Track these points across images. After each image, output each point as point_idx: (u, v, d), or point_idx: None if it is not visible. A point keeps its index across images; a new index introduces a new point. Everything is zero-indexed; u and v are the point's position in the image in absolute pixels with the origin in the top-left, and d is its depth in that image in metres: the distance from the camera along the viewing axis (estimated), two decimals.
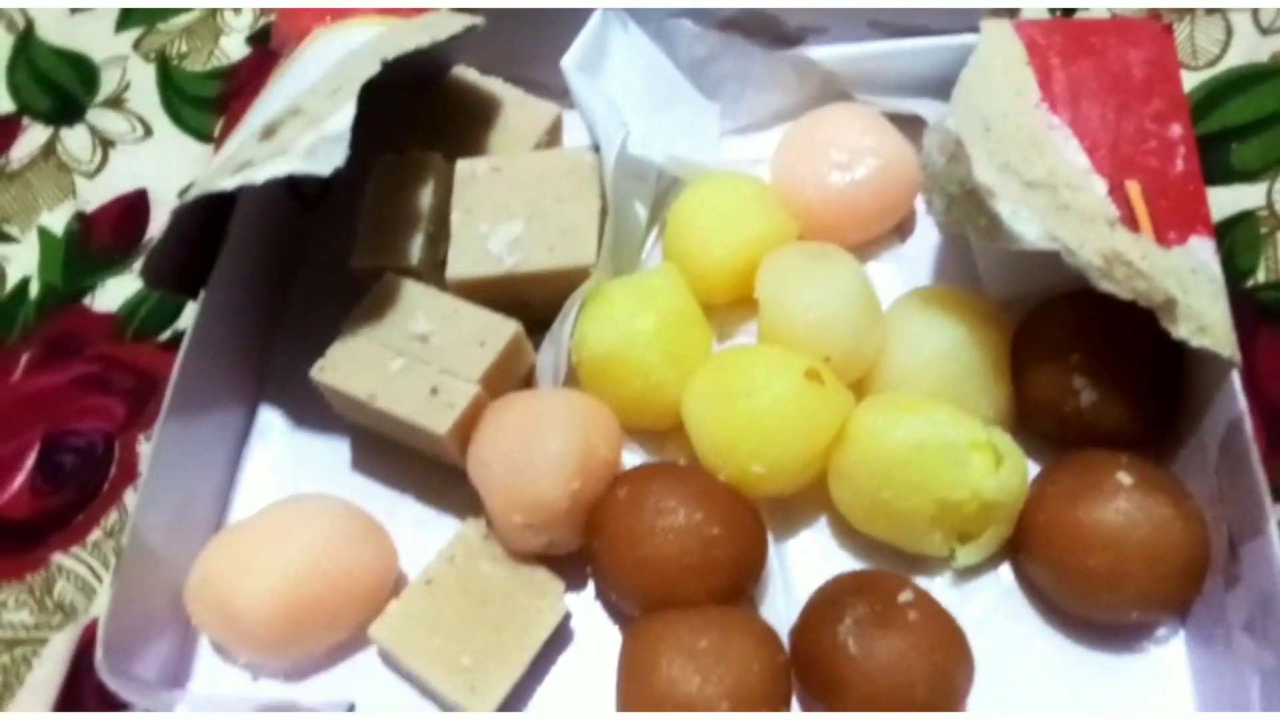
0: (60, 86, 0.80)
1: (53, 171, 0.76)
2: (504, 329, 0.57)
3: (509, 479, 0.52)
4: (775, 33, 0.67)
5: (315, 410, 0.60)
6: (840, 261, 0.59)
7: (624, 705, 0.50)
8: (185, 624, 0.57)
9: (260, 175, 0.50)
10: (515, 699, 0.53)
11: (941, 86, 0.62)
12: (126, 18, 0.82)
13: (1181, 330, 0.50)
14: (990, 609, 0.55)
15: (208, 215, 0.59)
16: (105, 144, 0.77)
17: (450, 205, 0.61)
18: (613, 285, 0.59)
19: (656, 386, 0.57)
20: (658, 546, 0.51)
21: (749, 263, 0.60)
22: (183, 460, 0.57)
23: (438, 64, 0.68)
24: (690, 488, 0.52)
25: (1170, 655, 0.54)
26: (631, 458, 0.59)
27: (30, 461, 0.65)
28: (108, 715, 0.53)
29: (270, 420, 0.64)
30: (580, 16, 0.66)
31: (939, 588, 0.55)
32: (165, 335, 0.69)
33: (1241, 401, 0.50)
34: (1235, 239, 0.64)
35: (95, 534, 0.63)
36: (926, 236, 0.66)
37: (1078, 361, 0.54)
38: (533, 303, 0.59)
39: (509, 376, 0.58)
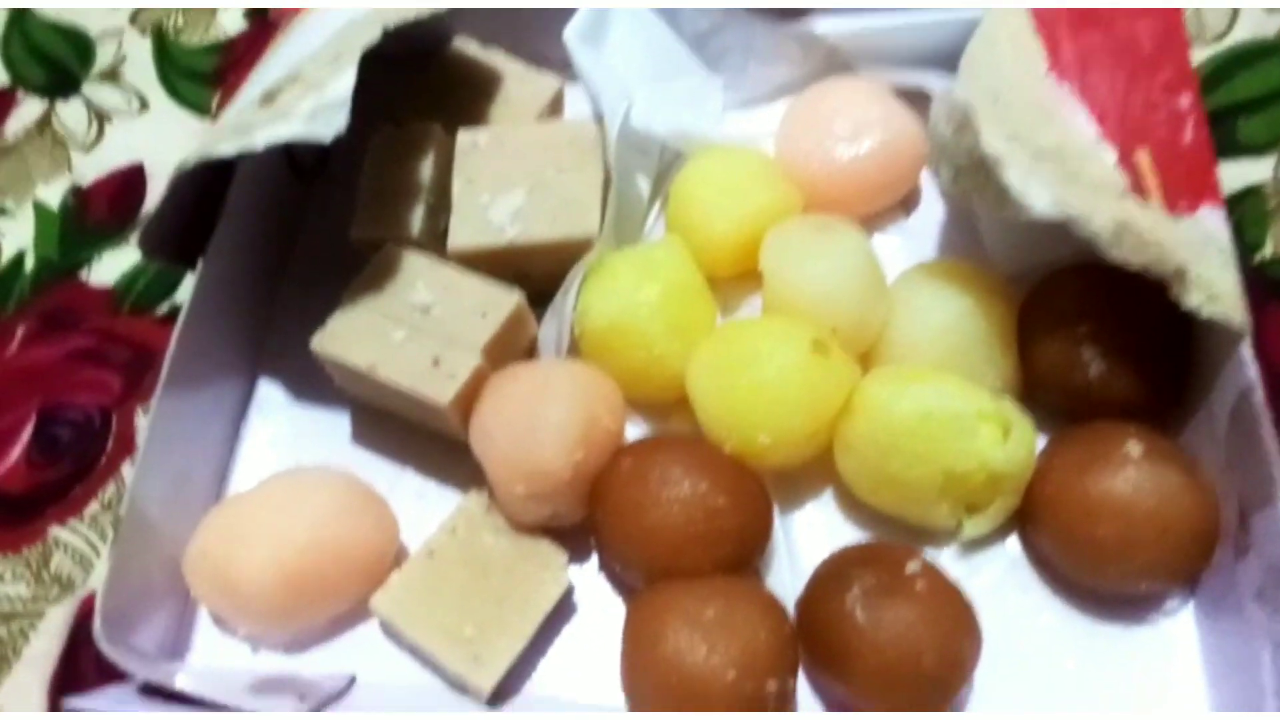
0: (55, 59, 0.79)
1: (48, 145, 0.75)
2: (506, 299, 0.56)
3: (512, 449, 0.52)
4: (779, 6, 0.67)
5: (315, 383, 0.59)
6: (845, 234, 0.58)
7: (629, 675, 0.49)
8: (184, 597, 0.56)
9: (260, 140, 0.50)
10: (518, 671, 0.52)
11: (947, 60, 0.62)
12: None
13: (1192, 299, 0.49)
14: (997, 581, 0.55)
15: (206, 185, 0.58)
16: (101, 118, 0.77)
17: (451, 176, 0.61)
18: (616, 257, 0.58)
19: (660, 358, 0.56)
20: (662, 517, 0.50)
21: (753, 236, 0.59)
22: (181, 432, 0.56)
23: (438, 35, 0.67)
24: (695, 458, 0.52)
25: (1179, 626, 0.53)
26: (634, 431, 0.59)
27: (26, 435, 0.65)
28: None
29: (270, 394, 0.63)
30: None
31: (946, 560, 0.55)
32: (162, 309, 0.68)
33: (1252, 370, 0.50)
34: (1243, 214, 0.64)
35: (92, 507, 0.62)
36: (932, 210, 0.66)
37: (1086, 333, 0.54)
38: (534, 275, 0.59)
39: (511, 348, 0.57)
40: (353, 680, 0.54)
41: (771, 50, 0.68)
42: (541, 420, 0.52)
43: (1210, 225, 0.53)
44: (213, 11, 0.80)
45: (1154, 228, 0.50)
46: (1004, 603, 0.54)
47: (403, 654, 0.55)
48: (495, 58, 0.67)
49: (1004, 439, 0.52)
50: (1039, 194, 0.50)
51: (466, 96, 0.66)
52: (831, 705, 0.52)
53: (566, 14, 0.64)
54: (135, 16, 0.80)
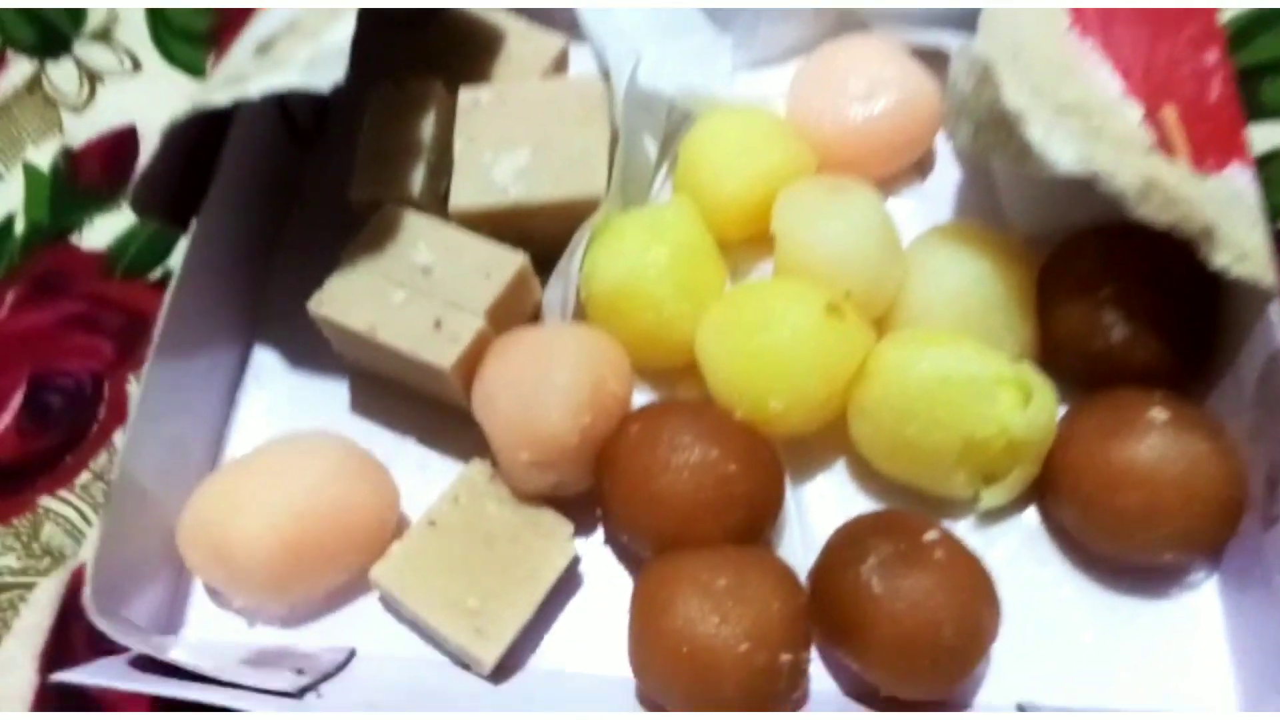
0: (46, 19, 0.77)
1: (39, 106, 0.74)
2: (510, 260, 0.54)
3: (516, 414, 0.51)
4: None
5: (313, 349, 0.58)
6: (860, 194, 0.57)
7: (637, 647, 0.48)
8: (178, 568, 0.55)
9: (255, 89, 0.48)
10: (523, 644, 0.51)
11: (964, 18, 0.60)
12: None
13: (1220, 258, 0.48)
14: (1015, 552, 0.54)
15: (200, 142, 0.57)
16: (93, 78, 0.75)
17: (452, 135, 0.59)
18: (623, 217, 0.57)
19: (669, 321, 0.55)
20: (671, 483, 0.49)
21: (765, 197, 0.58)
22: (173, 399, 0.55)
23: None
24: (706, 423, 0.51)
25: (1203, 599, 0.52)
26: (641, 399, 0.57)
27: (16, 402, 0.63)
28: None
29: (266, 360, 0.62)
30: None
31: (962, 531, 0.53)
32: (156, 274, 0.67)
33: None
34: (1267, 177, 0.62)
35: (84, 476, 0.61)
36: (947, 173, 0.65)
37: (1108, 296, 0.53)
38: (538, 237, 0.57)
39: (515, 311, 0.56)
40: (352, 654, 0.52)
41: (783, 9, 0.66)
42: (547, 385, 0.50)
43: (1239, 184, 0.51)
44: None
45: (1181, 185, 0.49)
46: (1021, 575, 0.52)
47: (403, 627, 0.54)
48: (498, 15, 0.65)
49: (1024, 404, 0.51)
50: (1062, 149, 0.49)
51: (468, 55, 0.64)
52: (845, 680, 0.51)
53: None
54: None
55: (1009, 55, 0.52)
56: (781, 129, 0.61)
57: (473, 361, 0.53)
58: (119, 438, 0.61)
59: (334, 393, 0.60)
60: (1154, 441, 0.49)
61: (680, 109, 0.64)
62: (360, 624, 0.54)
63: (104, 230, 0.69)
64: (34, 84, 0.74)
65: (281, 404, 0.61)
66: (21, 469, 0.61)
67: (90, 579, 0.48)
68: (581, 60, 0.66)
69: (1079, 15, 0.55)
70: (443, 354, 0.52)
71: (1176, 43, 0.55)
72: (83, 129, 0.73)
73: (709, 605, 0.46)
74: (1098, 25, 0.55)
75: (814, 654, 0.50)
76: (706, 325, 0.54)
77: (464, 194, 0.57)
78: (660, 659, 0.46)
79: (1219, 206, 0.49)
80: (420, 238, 0.55)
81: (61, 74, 0.75)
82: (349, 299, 0.54)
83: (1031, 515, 0.55)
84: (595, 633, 0.53)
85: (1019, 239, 0.57)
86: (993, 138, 0.52)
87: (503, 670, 0.51)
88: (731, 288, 0.59)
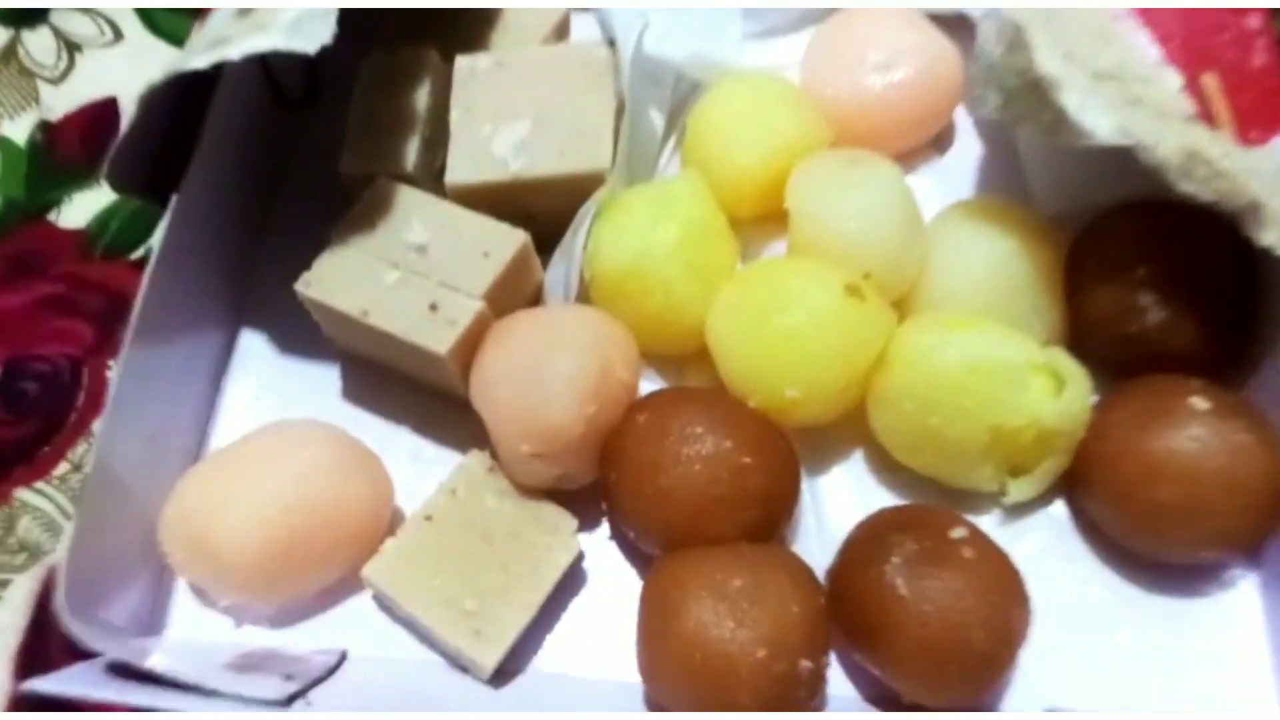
0: None
1: (14, 77, 0.71)
2: (510, 239, 0.52)
3: (517, 403, 0.49)
4: None
5: (302, 333, 0.56)
6: (881, 166, 0.54)
7: (646, 651, 0.46)
8: (160, 565, 0.53)
9: (236, 51, 0.45)
10: (524, 646, 0.50)
11: None
12: None
13: (1268, 236, 0.46)
14: (1042, 549, 0.52)
15: (181, 112, 0.54)
16: (71, 47, 0.72)
17: (448, 106, 0.57)
18: (629, 193, 0.55)
19: (678, 304, 0.53)
20: (682, 476, 0.47)
21: (778, 171, 0.56)
22: (154, 386, 0.53)
23: None
24: (719, 413, 0.48)
25: (1241, 599, 0.50)
26: (648, 386, 0.55)
27: None
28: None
29: (252, 344, 0.60)
30: None
31: (986, 526, 0.50)
32: (138, 253, 0.65)
33: None
34: None
35: (62, 467, 0.59)
36: (968, 148, 0.63)
37: (1143, 277, 0.50)
38: (539, 214, 0.55)
39: (515, 293, 0.54)
40: (344, 656, 0.51)
41: None
42: (550, 371, 0.48)
43: None
44: None
45: (1225, 157, 0.47)
46: (1049, 573, 0.50)
47: (398, 628, 0.52)
48: None
49: (1057, 393, 0.49)
50: (1099, 119, 0.46)
51: (464, 22, 0.62)
52: (864, 684, 0.49)
53: None
54: None
55: (1041, 18, 0.50)
56: (796, 98, 0.58)
57: (471, 346, 0.51)
58: (99, 427, 0.58)
59: (324, 379, 0.59)
60: (1194, 432, 0.47)
61: (689, 78, 0.62)
62: (352, 624, 0.52)
63: (83, 207, 0.67)
64: (9, 53, 0.72)
65: (269, 391, 0.59)
66: None
67: (63, 579, 0.46)
68: (584, 27, 0.63)
69: None
70: (439, 338, 0.50)
71: (1217, 6, 0.52)
72: (61, 101, 0.71)
73: (724, 608, 0.43)
74: None
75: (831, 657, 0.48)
76: (718, 308, 0.52)
77: (461, 169, 0.55)
78: (671, 665, 0.44)
79: (1265, 180, 0.47)
80: (415, 214, 0.53)
81: (38, 43, 0.73)
82: (339, 280, 0.52)
83: (1059, 509, 0.53)
84: (600, 634, 0.51)
85: (1045, 217, 0.55)
86: (1024, 106, 0.49)
87: (503, 674, 0.49)
88: (743, 268, 0.57)
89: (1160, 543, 0.48)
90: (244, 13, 0.48)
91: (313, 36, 0.46)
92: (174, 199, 0.54)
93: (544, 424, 0.48)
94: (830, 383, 0.49)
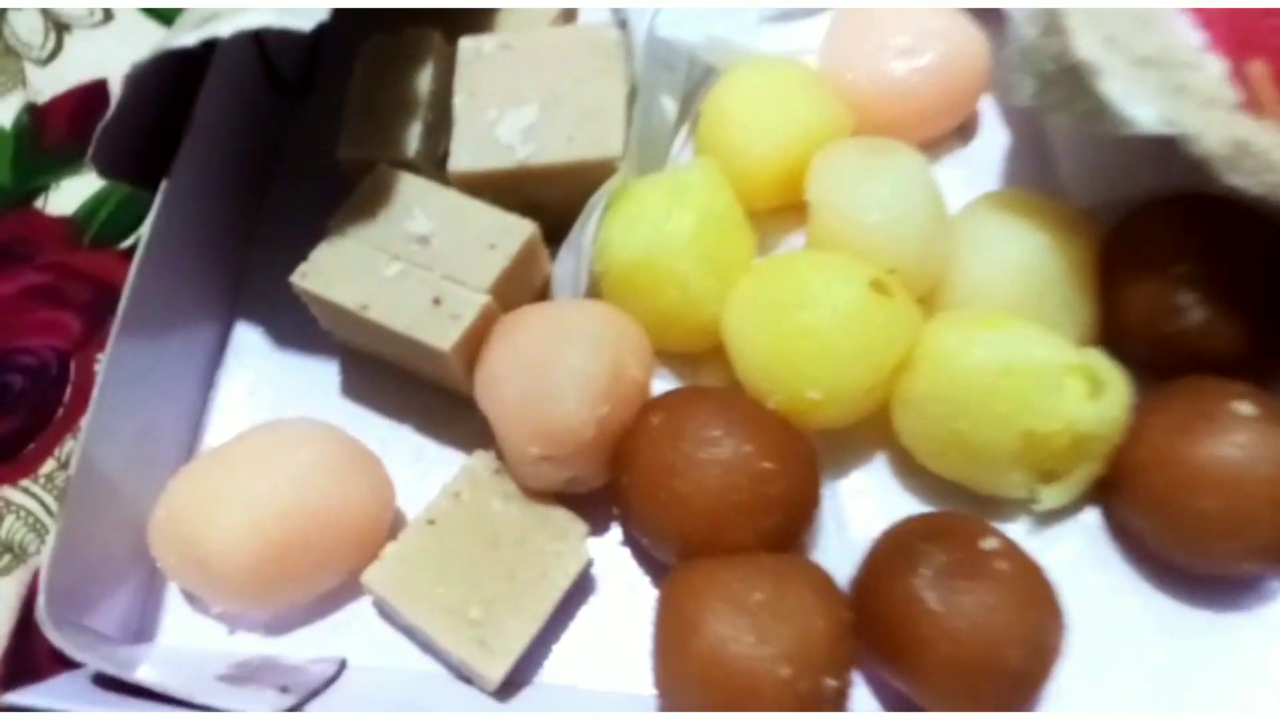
0: None
1: None
2: (517, 229, 0.51)
3: (525, 403, 0.47)
4: None
5: (299, 326, 0.55)
6: (905, 155, 0.53)
7: (662, 666, 0.44)
8: (150, 569, 0.52)
9: (227, 28, 0.44)
10: (531, 657, 0.48)
11: None
12: None
13: None
14: (1074, 558, 0.51)
15: (172, 93, 0.53)
16: (59, 28, 0.71)
17: (452, 90, 0.55)
18: (642, 183, 0.54)
19: (693, 299, 0.51)
20: (699, 481, 0.45)
21: (797, 160, 0.54)
22: (143, 380, 0.52)
23: None
24: (738, 414, 0.47)
25: None
26: (661, 386, 0.53)
27: None
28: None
29: (247, 337, 0.59)
30: None
31: (1014, 533, 0.49)
32: (128, 242, 0.64)
33: None
34: None
35: (48, 465, 0.58)
36: (994, 138, 0.61)
37: (1183, 274, 0.49)
38: (547, 204, 0.54)
39: (522, 286, 0.52)
40: (343, 665, 0.49)
41: None
42: (559, 369, 0.47)
43: None
44: None
45: (1275, 149, 0.45)
46: (1081, 583, 0.48)
47: (399, 637, 0.51)
48: None
49: (1093, 396, 0.47)
50: (1144, 107, 0.45)
51: (468, 2, 0.60)
52: (886, 698, 0.48)
53: None
54: None
55: (1079, 0, 0.48)
56: (815, 84, 0.57)
57: (475, 342, 0.50)
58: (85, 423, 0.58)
59: (322, 375, 0.58)
60: (1239, 439, 0.45)
61: (703, 62, 0.60)
62: (352, 632, 0.51)
63: (71, 194, 0.66)
64: None
65: (264, 387, 0.58)
66: None
67: (45, 585, 0.45)
68: (593, 9, 0.62)
69: None
70: (442, 334, 0.49)
71: None
72: (49, 83, 0.70)
73: (744, 622, 0.42)
74: None
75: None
76: (735, 304, 0.51)
77: (465, 156, 0.54)
78: (689, 681, 0.42)
79: None
80: (417, 203, 0.52)
81: (25, 22, 0.72)
82: (337, 272, 0.51)
83: (1091, 516, 0.51)
84: (611, 645, 0.50)
85: (1077, 209, 0.53)
86: (1060, 93, 0.48)
87: (509, 686, 0.48)
88: (760, 261, 0.55)
89: (1201, 554, 0.47)
90: None
91: (308, 14, 0.44)
92: (164, 185, 0.52)
93: (553, 424, 0.47)
94: (854, 384, 0.48)
